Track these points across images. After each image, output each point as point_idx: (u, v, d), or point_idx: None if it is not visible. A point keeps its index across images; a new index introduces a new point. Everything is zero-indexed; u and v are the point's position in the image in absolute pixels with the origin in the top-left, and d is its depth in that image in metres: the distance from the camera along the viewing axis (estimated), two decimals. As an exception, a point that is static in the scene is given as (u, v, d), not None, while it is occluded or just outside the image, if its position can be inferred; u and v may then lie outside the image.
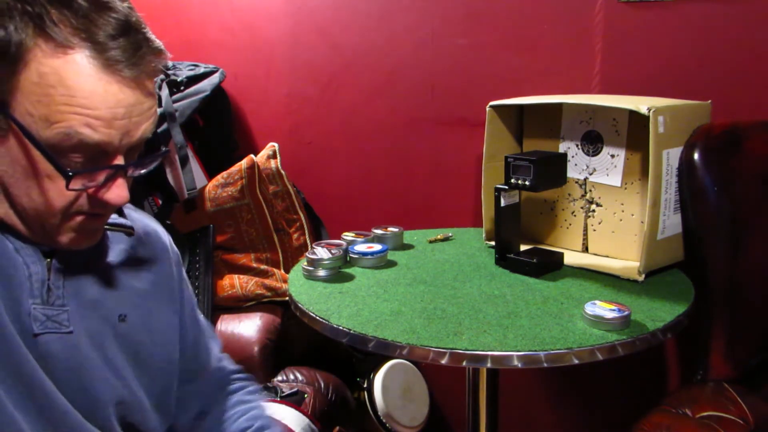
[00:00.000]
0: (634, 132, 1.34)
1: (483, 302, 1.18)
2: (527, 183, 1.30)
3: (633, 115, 1.31)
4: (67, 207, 0.73)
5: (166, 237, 0.95)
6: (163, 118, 1.79)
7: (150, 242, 0.91)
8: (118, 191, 0.73)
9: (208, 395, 1.00)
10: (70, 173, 0.69)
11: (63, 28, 0.67)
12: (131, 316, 0.84)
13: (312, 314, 1.16)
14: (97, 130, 0.68)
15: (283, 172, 1.90)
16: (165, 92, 1.83)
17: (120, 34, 0.68)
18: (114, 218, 0.85)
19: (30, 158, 0.69)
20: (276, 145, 1.95)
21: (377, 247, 1.43)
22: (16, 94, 0.67)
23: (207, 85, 1.91)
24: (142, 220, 0.92)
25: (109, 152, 0.71)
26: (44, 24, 0.66)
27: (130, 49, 0.69)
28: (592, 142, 1.41)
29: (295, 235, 1.91)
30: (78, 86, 0.67)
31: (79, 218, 0.74)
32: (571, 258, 1.40)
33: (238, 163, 1.86)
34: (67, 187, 0.70)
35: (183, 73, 1.92)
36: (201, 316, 1.02)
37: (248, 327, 1.74)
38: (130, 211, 0.91)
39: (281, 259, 1.88)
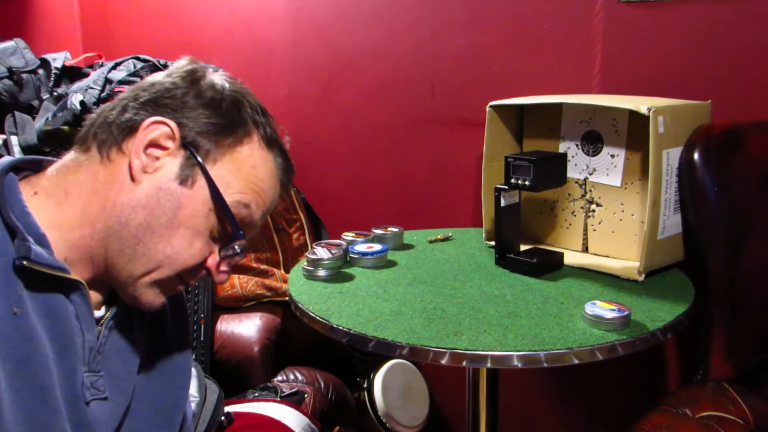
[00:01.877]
0: (634, 132, 1.34)
1: (483, 302, 1.18)
2: (527, 183, 1.30)
3: (633, 115, 1.31)
4: (189, 268, 0.79)
5: None
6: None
7: None
8: (226, 271, 0.83)
9: None
10: (241, 233, 0.80)
11: (271, 132, 0.84)
12: (148, 364, 0.86)
13: (312, 314, 1.16)
14: (260, 210, 0.82)
15: (283, 172, 1.90)
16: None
17: (287, 156, 0.87)
18: None
19: (201, 210, 0.78)
20: (276, 145, 1.94)
21: (377, 247, 1.43)
22: (219, 160, 0.79)
23: (207, 85, 1.91)
24: None
25: (245, 233, 0.82)
26: (261, 125, 0.83)
27: (290, 169, 0.87)
28: (592, 142, 1.41)
29: (295, 235, 1.91)
30: (265, 176, 0.82)
31: (178, 284, 0.81)
32: (571, 258, 1.40)
33: (238, 163, 1.86)
34: (235, 239, 0.80)
35: (183, 73, 1.92)
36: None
37: (248, 327, 1.74)
38: None
39: (281, 259, 1.88)
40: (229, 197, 0.79)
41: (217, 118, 0.79)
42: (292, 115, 2.07)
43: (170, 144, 0.78)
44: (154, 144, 0.77)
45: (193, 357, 1.63)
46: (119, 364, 0.81)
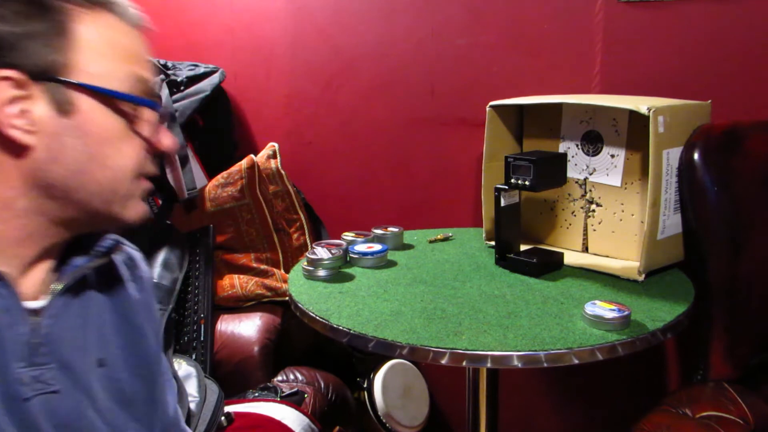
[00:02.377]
0: (634, 132, 1.34)
1: (483, 302, 1.18)
2: (527, 183, 1.30)
3: (633, 115, 1.32)
4: (138, 166, 0.76)
5: (144, 264, 0.92)
6: (162, 118, 1.79)
7: (134, 267, 0.88)
8: (169, 136, 0.80)
9: None
10: (153, 102, 0.76)
11: None
12: (110, 356, 0.81)
13: (312, 314, 1.16)
14: (144, 69, 0.76)
15: (283, 172, 1.90)
16: (165, 92, 1.83)
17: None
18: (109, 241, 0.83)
19: (102, 120, 0.73)
20: (276, 145, 1.95)
21: (377, 247, 1.43)
22: (75, 61, 0.71)
23: (207, 85, 1.91)
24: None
25: (150, 98, 0.78)
26: None
27: (132, 6, 0.77)
28: (592, 142, 1.41)
29: (295, 235, 1.91)
30: (121, 37, 0.74)
31: (142, 182, 0.78)
32: (571, 258, 1.40)
33: (238, 163, 1.86)
34: (150, 108, 0.76)
35: (183, 73, 1.92)
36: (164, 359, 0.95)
37: (248, 327, 1.74)
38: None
39: (281, 259, 1.88)
40: (113, 85, 0.72)
41: (35, 27, 0.69)
42: (292, 115, 2.07)
43: (21, 91, 0.69)
44: (8, 103, 0.68)
45: (193, 357, 1.63)
46: (73, 354, 0.76)
